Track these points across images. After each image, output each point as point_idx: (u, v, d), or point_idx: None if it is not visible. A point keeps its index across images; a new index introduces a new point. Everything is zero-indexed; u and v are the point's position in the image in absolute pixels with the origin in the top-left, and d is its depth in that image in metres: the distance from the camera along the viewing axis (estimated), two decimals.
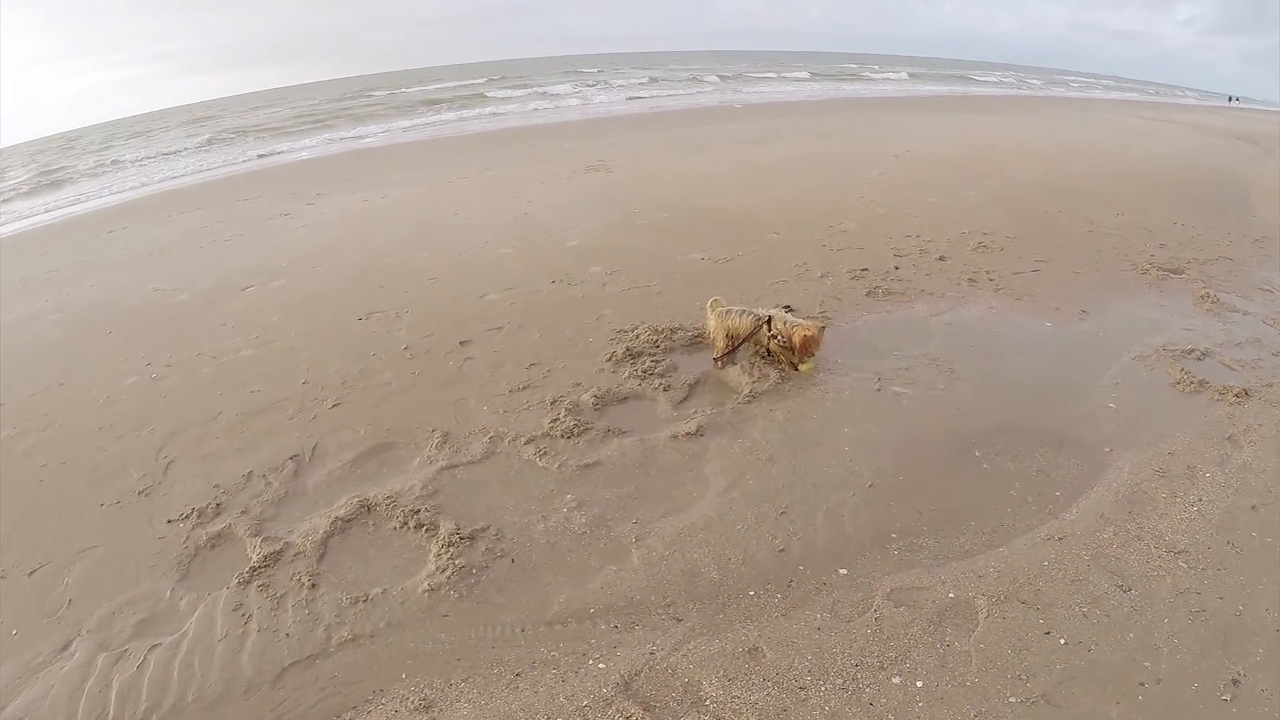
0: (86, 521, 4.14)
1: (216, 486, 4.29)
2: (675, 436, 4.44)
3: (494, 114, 28.62)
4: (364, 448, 4.55)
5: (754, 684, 2.74)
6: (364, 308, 6.87)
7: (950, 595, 3.11)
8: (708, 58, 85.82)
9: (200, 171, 19.78)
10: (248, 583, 3.49)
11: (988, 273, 7.08)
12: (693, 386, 5.07)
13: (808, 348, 4.91)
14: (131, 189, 18.19)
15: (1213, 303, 6.28)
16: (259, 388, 5.46)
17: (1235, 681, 2.70)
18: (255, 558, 3.63)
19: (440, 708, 2.79)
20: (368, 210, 11.33)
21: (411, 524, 3.77)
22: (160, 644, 3.20)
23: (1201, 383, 4.87)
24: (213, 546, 3.82)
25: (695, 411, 4.72)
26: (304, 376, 5.55)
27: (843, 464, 4.12)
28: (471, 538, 3.64)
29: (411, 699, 2.83)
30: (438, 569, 3.44)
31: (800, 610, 3.09)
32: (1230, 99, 47.82)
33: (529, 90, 37.40)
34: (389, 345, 6.00)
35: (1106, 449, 4.20)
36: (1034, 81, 56.40)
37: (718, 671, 2.80)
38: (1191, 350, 5.36)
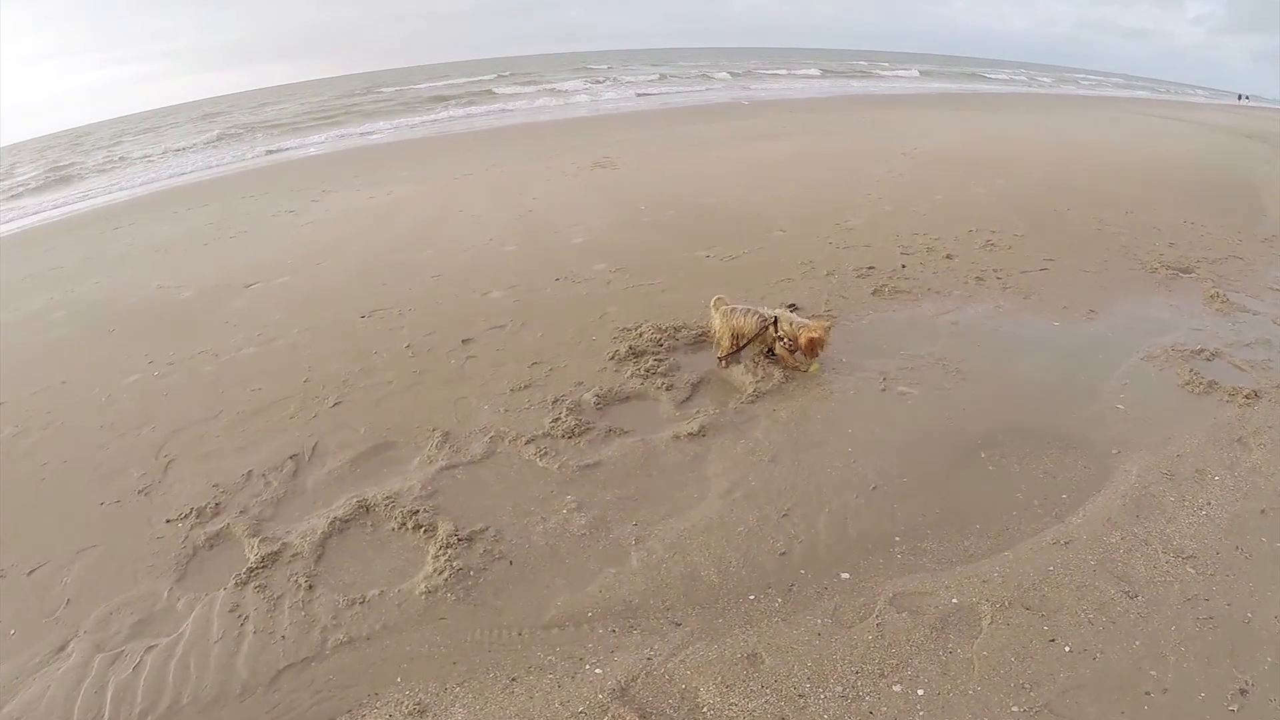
0: (86, 520, 4.12)
1: (216, 486, 4.27)
2: (677, 437, 4.39)
3: (502, 110, 28.63)
4: (364, 447, 4.53)
5: (752, 691, 2.70)
6: (367, 305, 6.85)
7: (954, 601, 3.05)
8: (719, 54, 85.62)
9: (207, 168, 19.84)
10: (245, 584, 3.47)
11: (995, 271, 7.01)
12: (696, 386, 5.03)
13: (814, 349, 4.86)
14: (139, 185, 18.26)
15: (1222, 302, 6.19)
16: (260, 386, 5.44)
17: (1243, 691, 2.64)
18: (253, 558, 3.61)
19: (435, 713, 2.76)
20: (373, 207, 11.32)
21: (410, 525, 3.74)
22: (156, 645, 3.18)
23: (1211, 384, 4.80)
24: (211, 547, 3.80)
25: (698, 411, 4.68)
26: (305, 375, 5.54)
27: (846, 465, 4.07)
28: (470, 539, 3.61)
29: (406, 703, 2.80)
30: (435, 571, 3.41)
31: (801, 615, 3.04)
32: (1240, 97, 47.36)
33: (538, 87, 37.32)
34: (391, 343, 5.98)
35: (1114, 451, 4.13)
36: (1045, 79, 56.05)
37: (716, 678, 2.76)
38: (1201, 350, 5.28)
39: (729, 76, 43.42)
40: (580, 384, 5.08)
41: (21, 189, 20.71)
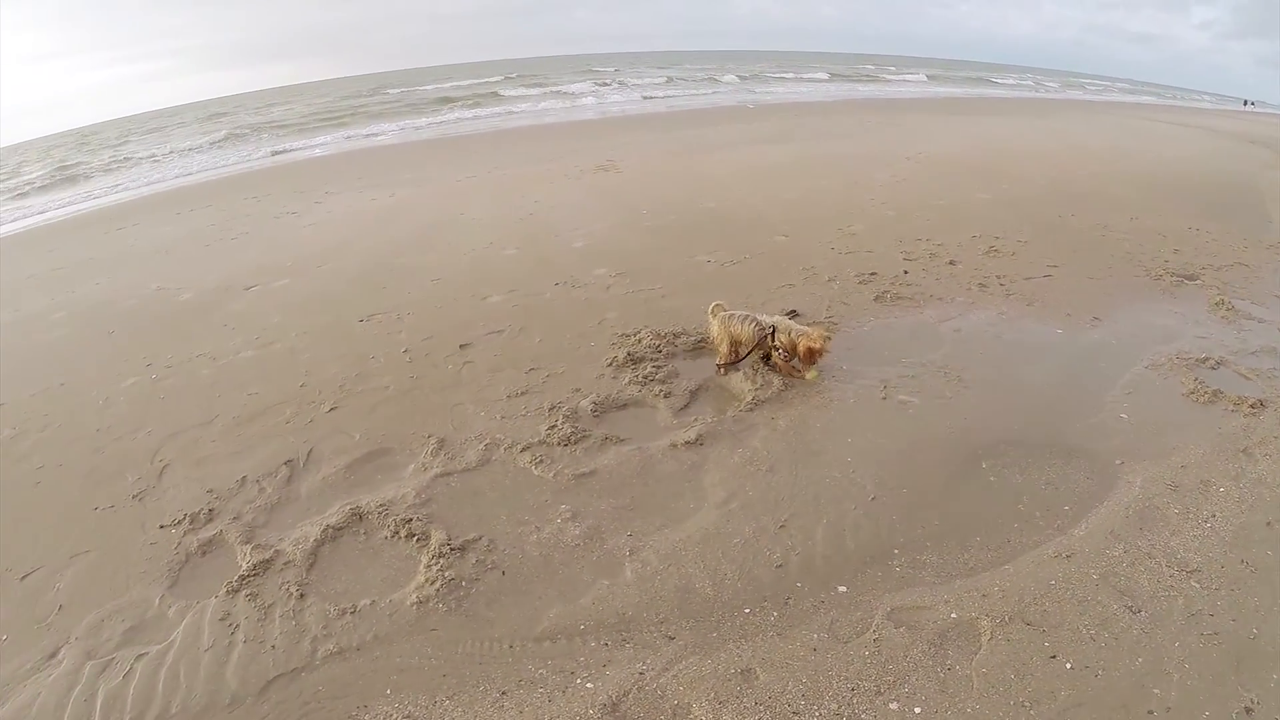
0: (80, 525, 4.10)
1: (210, 491, 4.25)
2: (674, 445, 4.35)
3: (507, 113, 28.66)
4: (359, 453, 4.50)
5: (745, 708, 2.65)
6: (366, 309, 6.83)
7: (953, 615, 3.00)
8: (726, 57, 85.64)
9: (212, 169, 19.91)
10: (236, 591, 3.44)
11: (998, 277, 6.96)
12: (694, 393, 4.98)
13: (812, 358, 4.81)
14: (144, 185, 18.32)
15: (1227, 310, 6.13)
16: (257, 390, 5.42)
17: (1248, 710, 2.59)
18: (245, 566, 3.58)
19: None
20: (375, 209, 11.32)
21: (403, 533, 3.70)
22: (147, 653, 3.16)
23: (1216, 393, 4.74)
24: (204, 553, 3.78)
25: (696, 419, 4.63)
26: (302, 379, 5.51)
27: (845, 475, 4.02)
28: (463, 549, 3.57)
29: (395, 716, 2.76)
30: (427, 581, 3.37)
31: (796, 629, 2.99)
32: (1246, 103, 47.11)
33: (544, 89, 37.37)
34: (389, 348, 5.95)
35: (1118, 461, 4.08)
36: (1051, 84, 55.97)
37: (708, 693, 2.71)
38: (1206, 359, 5.22)
39: (737, 79, 43.46)
40: (578, 390, 5.04)
41: (28, 188, 20.82)
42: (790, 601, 3.16)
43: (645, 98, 33.03)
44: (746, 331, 4.98)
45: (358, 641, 3.11)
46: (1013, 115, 24.36)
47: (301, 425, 4.88)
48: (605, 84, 39.92)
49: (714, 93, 35.82)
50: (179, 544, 3.83)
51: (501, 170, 13.97)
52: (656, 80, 41.74)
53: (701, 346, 5.56)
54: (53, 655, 3.21)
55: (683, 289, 6.86)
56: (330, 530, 3.77)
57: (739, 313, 5.09)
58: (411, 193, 12.45)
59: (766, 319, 4.98)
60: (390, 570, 3.52)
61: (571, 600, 3.25)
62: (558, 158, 14.94)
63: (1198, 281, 6.88)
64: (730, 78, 44.19)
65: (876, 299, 6.46)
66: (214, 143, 26.29)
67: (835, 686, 2.71)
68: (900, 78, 51.67)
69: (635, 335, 5.79)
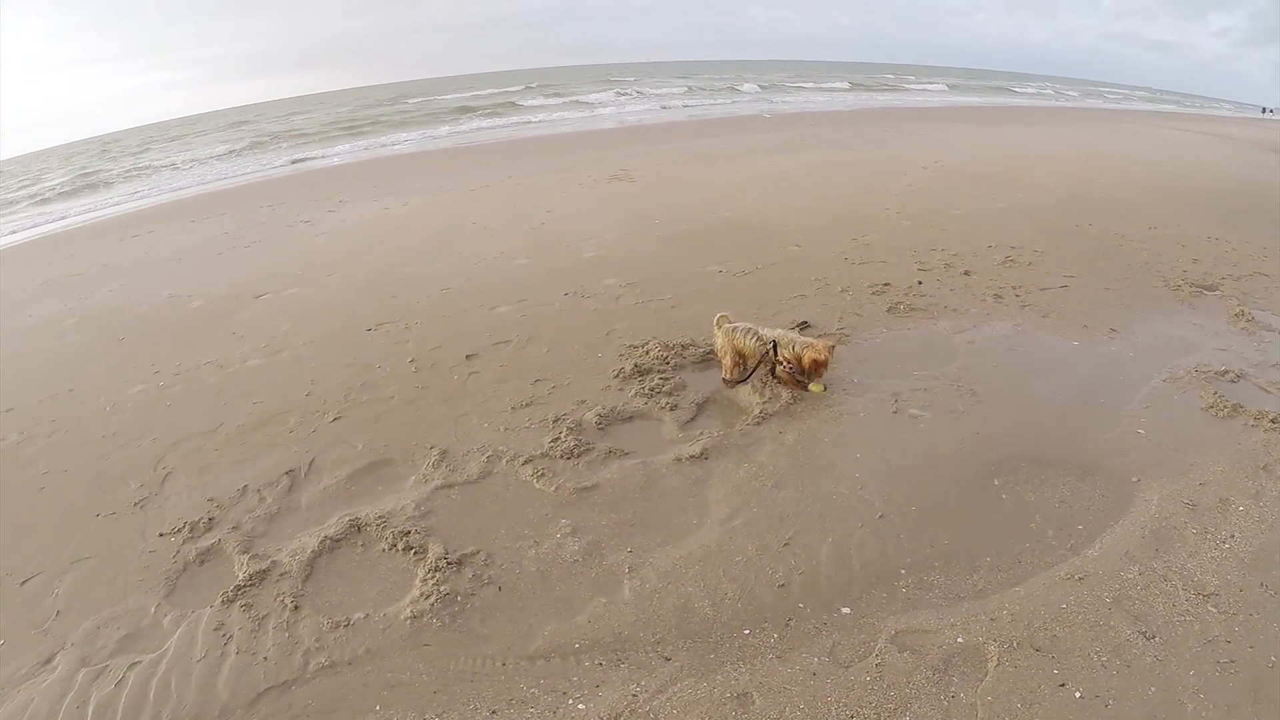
0: (82, 532, 4.10)
1: (211, 500, 4.23)
2: (679, 459, 4.28)
3: (525, 122, 28.79)
4: (361, 464, 4.47)
5: None
6: (374, 318, 6.83)
7: (959, 640, 2.90)
8: (745, 67, 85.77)
9: (230, 177, 20.13)
10: (231, 601, 3.41)
11: (1014, 288, 6.84)
12: (701, 406, 4.91)
13: (817, 370, 4.73)
14: (163, 193, 18.56)
15: (1248, 321, 5.97)
16: (262, 399, 5.41)
17: None
18: (242, 576, 3.55)
19: None
20: (388, 218, 11.36)
21: (400, 546, 3.66)
22: (140, 662, 3.13)
23: (1236, 407, 4.59)
24: (201, 562, 3.75)
25: (701, 433, 4.56)
26: (308, 388, 5.50)
27: (853, 492, 3.92)
28: (460, 563, 3.52)
29: None
30: (422, 595, 3.32)
31: (796, 652, 2.90)
32: (1265, 110, 46.30)
33: (563, 99, 37.49)
34: (395, 357, 5.94)
35: (1134, 479, 3.95)
36: (1071, 93, 55.49)
37: (702, 718, 2.63)
38: (1225, 372, 5.08)
39: (756, 89, 43.44)
40: (583, 402, 4.98)
41: (50, 194, 21.16)
42: (792, 623, 3.07)
43: (663, 107, 33.09)
44: (749, 345, 4.90)
45: (349, 655, 3.06)
46: (1031, 124, 24.12)
47: (305, 435, 4.86)
48: (624, 94, 39.98)
49: (732, 103, 35.84)
50: (177, 552, 3.81)
51: (515, 180, 14.00)
52: (676, 90, 41.72)
53: (710, 358, 5.48)
54: (48, 661, 3.19)
55: (693, 299, 6.80)
56: (328, 541, 3.73)
57: (742, 325, 5.01)
58: (425, 201, 12.49)
59: (768, 333, 4.90)
60: (386, 583, 3.47)
61: (567, 618, 3.18)
62: (572, 167, 14.95)
63: (1217, 292, 6.72)
64: (749, 87, 44.20)
65: (890, 310, 6.36)
66: (234, 151, 26.63)
67: (835, 713, 2.62)
68: (920, 87, 51.44)
69: (643, 346, 5.73)
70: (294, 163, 21.69)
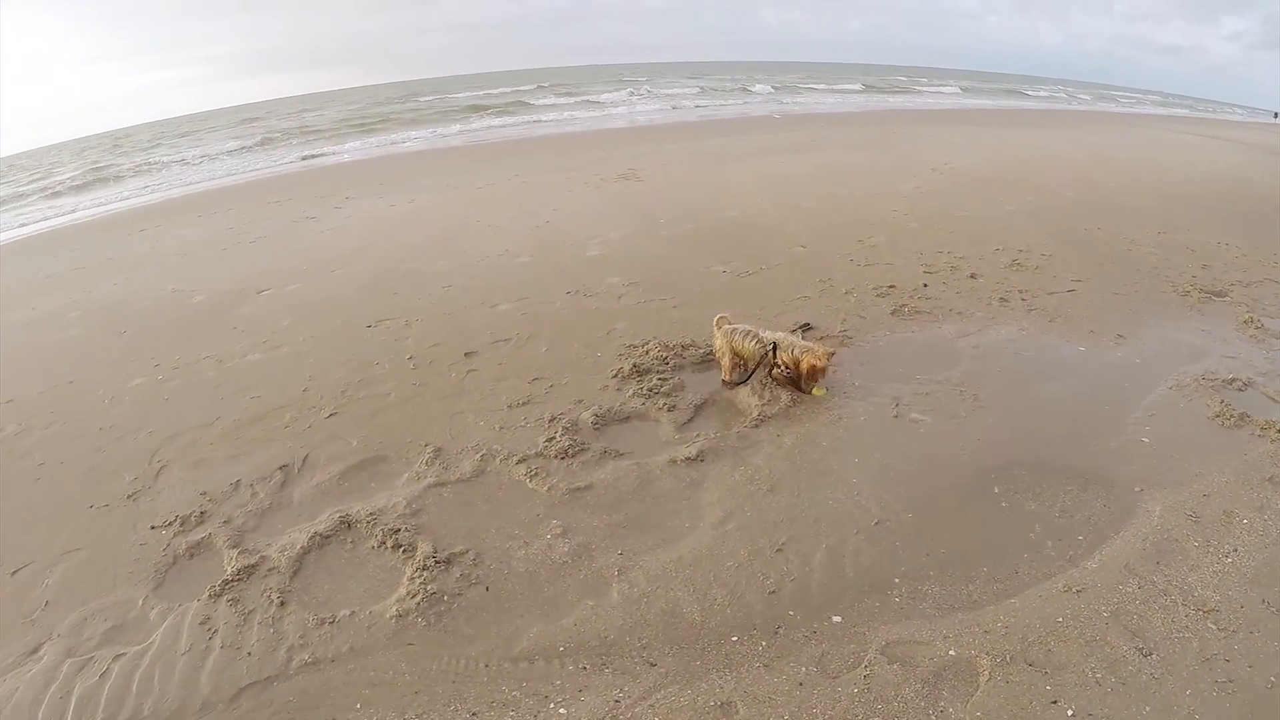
0: (75, 523, 4.10)
1: (204, 494, 4.22)
2: (674, 461, 4.23)
3: (535, 121, 28.75)
4: (354, 460, 4.44)
5: None
6: (375, 314, 6.81)
7: (951, 653, 2.84)
8: (757, 68, 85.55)
9: (239, 173, 20.19)
10: (219, 596, 3.39)
11: (1020, 292, 6.75)
12: (699, 407, 4.86)
13: (815, 375, 4.67)
14: (171, 188, 18.64)
15: (1256, 328, 5.87)
16: (260, 393, 5.40)
17: None
18: (230, 570, 3.54)
19: None
20: (393, 215, 11.36)
21: (389, 544, 3.63)
22: (125, 654, 3.12)
23: (1242, 416, 4.51)
24: (191, 556, 3.74)
25: (698, 434, 4.51)
26: (305, 384, 5.48)
27: (849, 497, 3.87)
28: (448, 562, 3.48)
29: None
30: (409, 594, 3.29)
31: (784, 661, 2.85)
32: (1277, 115, 45.68)
33: (574, 99, 37.43)
34: (394, 354, 5.92)
35: (1137, 489, 3.88)
36: (1084, 96, 55.07)
37: None
38: (1233, 380, 4.99)
39: (769, 90, 43.28)
40: (580, 402, 4.94)
41: (61, 188, 21.29)
42: (780, 631, 3.02)
43: (674, 107, 33.02)
44: (749, 347, 4.85)
45: (333, 653, 3.04)
46: (1042, 127, 23.91)
47: (300, 430, 4.84)
48: (635, 94, 39.90)
49: (744, 103, 35.72)
50: (168, 545, 3.80)
51: (522, 178, 13.97)
52: (688, 90, 41.59)
53: (710, 359, 5.43)
54: (34, 651, 3.19)
55: (695, 300, 6.75)
56: (318, 538, 3.71)
57: (742, 327, 4.96)
58: (431, 199, 12.48)
59: (768, 335, 4.84)
60: (373, 581, 3.45)
61: (553, 620, 3.14)
62: (579, 166, 14.90)
63: (1226, 298, 6.62)
64: (761, 88, 44.06)
65: (894, 313, 6.30)
66: (244, 147, 26.72)
67: None
68: (933, 89, 51.16)
69: (643, 346, 5.69)
70: (303, 159, 21.72)
